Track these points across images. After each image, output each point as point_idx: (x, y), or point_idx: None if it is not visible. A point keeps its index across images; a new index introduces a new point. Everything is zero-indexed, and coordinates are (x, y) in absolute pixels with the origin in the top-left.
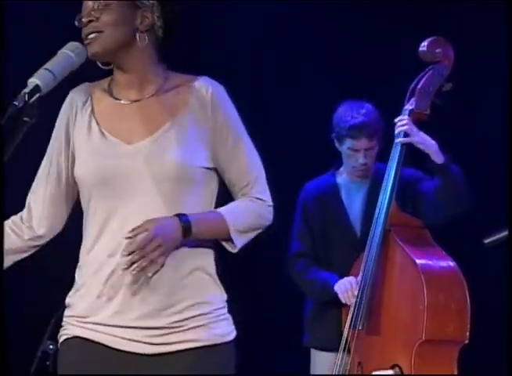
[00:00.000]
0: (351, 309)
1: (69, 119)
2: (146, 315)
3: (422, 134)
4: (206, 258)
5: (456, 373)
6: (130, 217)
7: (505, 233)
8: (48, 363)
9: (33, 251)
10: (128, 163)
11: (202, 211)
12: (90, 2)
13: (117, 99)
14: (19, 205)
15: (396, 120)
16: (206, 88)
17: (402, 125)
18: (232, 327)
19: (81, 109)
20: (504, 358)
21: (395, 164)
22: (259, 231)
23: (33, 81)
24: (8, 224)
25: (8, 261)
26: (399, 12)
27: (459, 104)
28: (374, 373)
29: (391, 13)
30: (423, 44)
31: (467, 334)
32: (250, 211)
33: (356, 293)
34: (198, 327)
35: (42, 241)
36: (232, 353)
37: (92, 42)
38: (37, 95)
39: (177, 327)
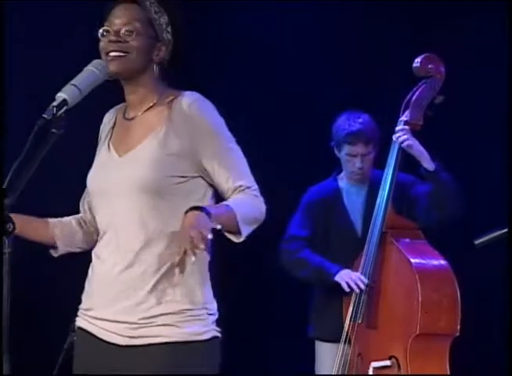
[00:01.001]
0: (352, 303)
1: (100, 137)
2: (124, 310)
3: (417, 142)
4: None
5: (447, 363)
6: (119, 227)
7: (495, 234)
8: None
9: (86, 248)
10: (112, 174)
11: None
12: (118, 21)
13: (124, 116)
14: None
15: (397, 128)
16: (187, 103)
17: (402, 134)
18: (208, 328)
19: (106, 127)
20: (504, 357)
21: (392, 169)
22: (257, 225)
23: (60, 95)
24: (76, 217)
25: (63, 248)
26: (398, 25)
27: (458, 108)
28: (373, 363)
29: (390, 25)
30: (416, 60)
31: (458, 327)
32: (252, 205)
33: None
34: (166, 324)
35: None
36: (209, 352)
37: (116, 60)
38: (65, 108)
39: (145, 323)
